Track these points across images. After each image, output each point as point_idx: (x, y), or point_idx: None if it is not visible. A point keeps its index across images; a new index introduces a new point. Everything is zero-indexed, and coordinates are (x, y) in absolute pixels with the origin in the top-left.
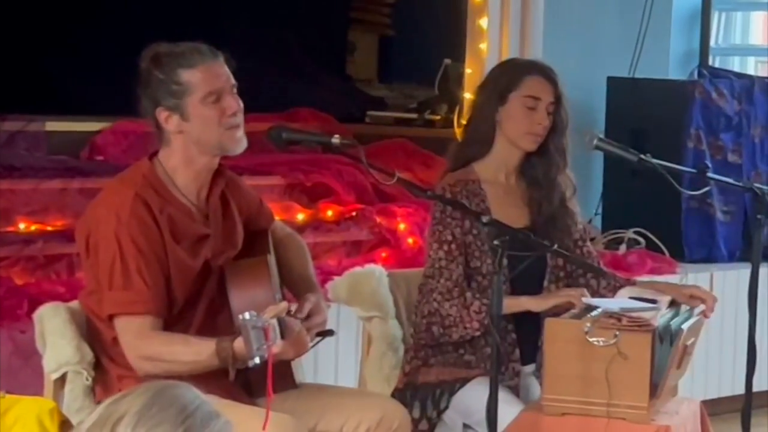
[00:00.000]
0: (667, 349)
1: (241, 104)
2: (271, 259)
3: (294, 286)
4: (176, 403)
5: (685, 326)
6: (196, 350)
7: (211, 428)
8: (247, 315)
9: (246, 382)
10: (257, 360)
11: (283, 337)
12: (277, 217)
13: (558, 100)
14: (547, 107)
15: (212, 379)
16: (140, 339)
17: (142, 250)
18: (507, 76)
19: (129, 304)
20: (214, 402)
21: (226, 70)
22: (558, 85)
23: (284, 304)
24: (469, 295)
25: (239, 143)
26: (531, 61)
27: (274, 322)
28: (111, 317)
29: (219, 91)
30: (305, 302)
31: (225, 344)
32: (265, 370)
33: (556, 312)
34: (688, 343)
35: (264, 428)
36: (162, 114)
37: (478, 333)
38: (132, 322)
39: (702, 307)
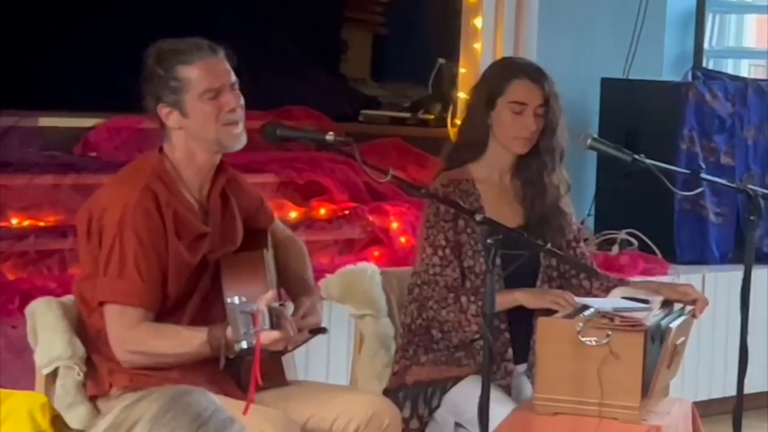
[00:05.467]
0: (657, 348)
1: (242, 101)
2: (268, 255)
3: (291, 288)
4: (191, 409)
5: (673, 325)
6: (187, 340)
7: None
8: (236, 299)
9: (237, 376)
10: (244, 345)
11: (273, 328)
12: (277, 219)
13: (546, 101)
14: (534, 110)
15: (203, 371)
16: (128, 330)
17: (143, 243)
18: (493, 81)
19: (121, 293)
20: None
21: (226, 66)
22: (545, 87)
23: (272, 292)
24: (464, 299)
25: (237, 140)
26: (520, 63)
27: (264, 309)
28: (102, 303)
29: (217, 88)
30: (300, 306)
31: (217, 332)
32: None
33: (549, 310)
34: (678, 342)
35: (245, 413)
36: (163, 110)
37: (477, 336)
38: (122, 312)
39: (691, 307)
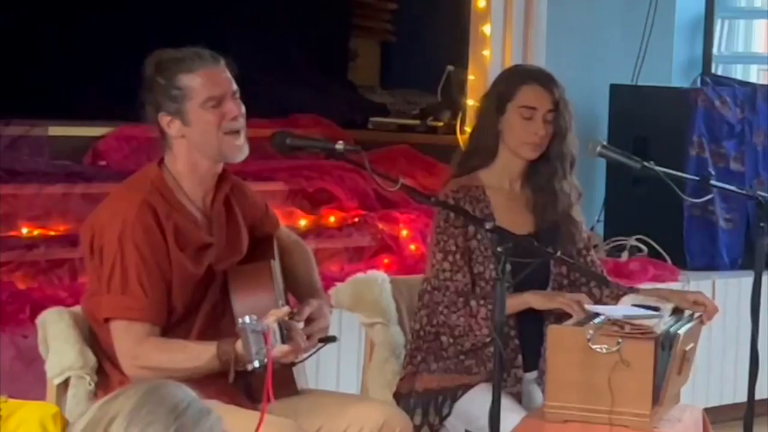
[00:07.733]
0: (667, 355)
1: (243, 109)
2: (275, 264)
3: (298, 292)
4: (167, 402)
5: (681, 331)
6: (195, 355)
7: (202, 426)
8: (247, 319)
9: (248, 387)
10: (256, 364)
11: (284, 341)
12: (282, 224)
13: (556, 107)
14: (544, 116)
15: (213, 383)
16: (135, 346)
17: (145, 258)
18: (504, 86)
19: (125, 309)
20: (215, 407)
21: (228, 75)
22: (555, 92)
23: (286, 308)
24: (473, 303)
25: (239, 151)
26: (529, 69)
27: (275, 326)
28: (107, 320)
29: (219, 96)
30: (306, 306)
31: (226, 347)
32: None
33: (559, 318)
34: (687, 348)
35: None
36: (164, 119)
37: (488, 340)
38: (128, 328)
39: (700, 312)
